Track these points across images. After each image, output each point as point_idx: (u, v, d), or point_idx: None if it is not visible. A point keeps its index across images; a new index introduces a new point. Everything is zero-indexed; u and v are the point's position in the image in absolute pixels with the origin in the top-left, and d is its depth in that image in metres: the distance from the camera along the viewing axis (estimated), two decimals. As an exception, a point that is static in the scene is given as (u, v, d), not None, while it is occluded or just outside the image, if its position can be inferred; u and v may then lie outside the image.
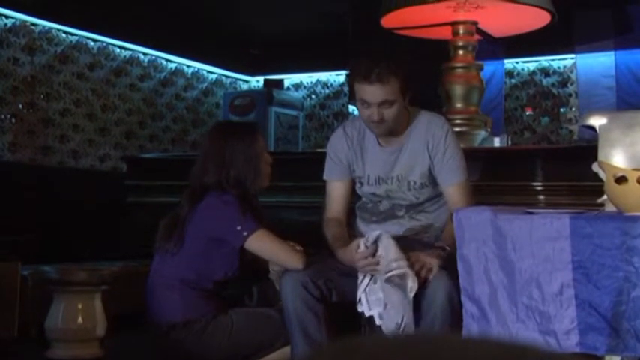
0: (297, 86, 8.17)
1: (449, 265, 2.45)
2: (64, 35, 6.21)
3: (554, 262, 2.08)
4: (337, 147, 2.90)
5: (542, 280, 2.10)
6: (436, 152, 2.77)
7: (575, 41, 6.65)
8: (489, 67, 6.22)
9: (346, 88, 7.65)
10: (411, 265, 2.51)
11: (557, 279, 2.08)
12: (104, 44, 6.56)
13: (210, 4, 6.81)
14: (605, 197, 2.36)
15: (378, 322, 2.55)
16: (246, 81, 8.34)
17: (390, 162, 2.81)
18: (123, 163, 5.62)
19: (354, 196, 2.96)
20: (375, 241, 2.55)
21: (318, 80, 8.11)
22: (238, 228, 2.76)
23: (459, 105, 4.80)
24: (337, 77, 7.98)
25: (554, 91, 7.03)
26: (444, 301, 2.46)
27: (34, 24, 5.98)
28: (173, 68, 7.31)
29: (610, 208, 2.34)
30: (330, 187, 2.93)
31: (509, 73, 7.16)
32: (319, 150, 4.56)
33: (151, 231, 2.96)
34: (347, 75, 2.83)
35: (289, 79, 8.13)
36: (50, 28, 6.11)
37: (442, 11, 4.69)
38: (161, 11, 6.71)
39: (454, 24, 4.81)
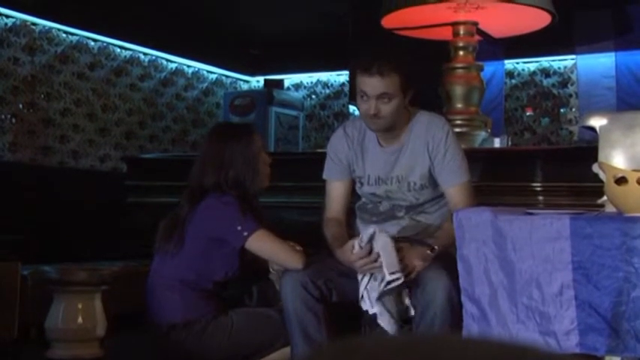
0: (298, 86, 8.18)
1: (448, 265, 2.45)
2: (64, 35, 6.21)
3: (554, 263, 2.08)
4: (337, 147, 2.90)
5: (543, 280, 2.10)
6: (436, 153, 2.76)
7: (575, 42, 6.65)
8: (490, 68, 6.22)
9: (346, 89, 7.66)
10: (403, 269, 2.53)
11: (557, 280, 2.08)
12: (104, 44, 6.56)
13: (211, 4, 6.81)
14: (605, 198, 2.36)
15: (379, 319, 2.56)
16: (247, 81, 8.34)
17: (390, 162, 2.81)
18: (123, 163, 5.62)
19: (353, 197, 2.96)
20: (370, 240, 2.55)
21: (318, 80, 8.11)
22: (239, 228, 2.77)
23: (459, 105, 4.80)
24: (337, 77, 7.98)
25: (555, 91, 7.03)
26: (443, 302, 2.46)
27: (34, 24, 5.98)
28: (173, 68, 7.31)
29: (610, 208, 2.34)
30: (330, 187, 2.93)
31: (510, 74, 7.16)
32: (319, 150, 4.56)
33: (151, 231, 2.96)
34: (350, 70, 2.85)
35: (289, 79, 8.13)
36: (50, 28, 6.11)
37: (442, 12, 4.69)
38: (161, 11, 6.71)
39: (454, 24, 4.81)
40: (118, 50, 6.70)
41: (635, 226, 2.01)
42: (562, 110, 7.01)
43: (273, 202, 3.89)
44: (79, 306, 3.38)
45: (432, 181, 2.80)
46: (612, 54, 6.52)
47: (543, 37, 5.02)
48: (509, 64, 7.11)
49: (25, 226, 5.14)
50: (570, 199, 3.51)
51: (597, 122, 2.63)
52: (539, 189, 3.77)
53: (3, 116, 5.73)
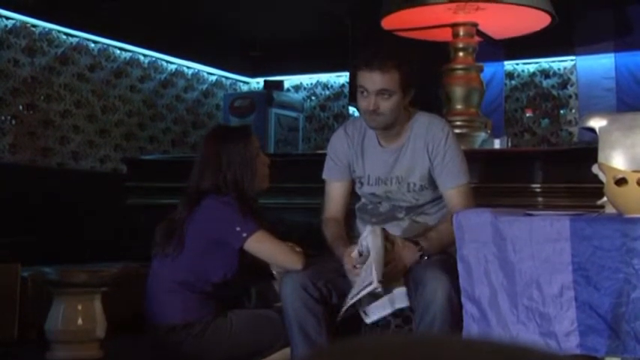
0: (298, 88, 8.18)
1: (448, 266, 2.45)
2: (64, 37, 6.21)
3: (555, 264, 2.08)
4: (337, 146, 2.90)
5: (543, 281, 2.10)
6: (436, 154, 2.76)
7: (575, 43, 6.65)
8: (489, 69, 6.22)
9: (346, 90, 7.66)
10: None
11: (558, 281, 2.08)
12: (104, 46, 6.57)
13: (211, 5, 6.81)
14: (605, 199, 2.35)
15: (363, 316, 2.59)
16: (247, 82, 8.34)
17: (389, 162, 2.81)
18: (123, 164, 5.62)
19: (352, 197, 2.96)
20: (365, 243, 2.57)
21: (318, 82, 8.11)
22: (238, 229, 2.77)
23: (459, 107, 4.80)
24: (337, 79, 7.98)
25: (555, 92, 7.04)
26: (443, 302, 2.46)
27: (34, 25, 5.99)
28: (173, 70, 7.31)
29: (610, 209, 2.34)
30: (330, 187, 2.92)
31: (510, 75, 7.16)
32: (319, 151, 4.56)
33: (151, 232, 2.96)
34: (350, 71, 2.86)
35: (289, 80, 8.14)
36: (50, 30, 6.11)
37: (442, 13, 4.69)
38: (161, 13, 6.71)
39: (454, 26, 4.81)
40: (118, 52, 6.71)
41: (635, 227, 2.00)
42: (562, 111, 7.02)
43: (274, 203, 3.89)
44: (79, 307, 3.38)
45: (432, 183, 2.79)
46: (612, 55, 6.52)
47: (543, 38, 5.03)
48: (509, 65, 7.11)
49: (25, 227, 5.15)
50: (570, 200, 3.51)
51: (597, 123, 2.63)
52: (539, 190, 3.77)
53: (3, 118, 5.73)
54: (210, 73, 7.78)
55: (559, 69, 7.03)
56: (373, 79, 2.65)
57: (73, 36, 6.28)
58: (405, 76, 2.67)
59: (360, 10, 6.58)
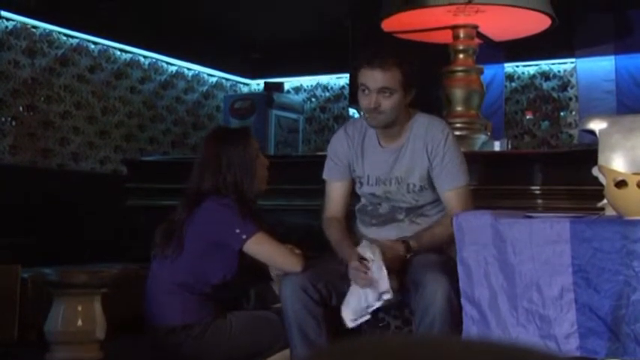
0: (298, 89, 8.18)
1: (448, 268, 2.45)
2: (64, 38, 6.22)
3: (555, 266, 2.08)
4: (338, 147, 2.90)
5: (543, 283, 2.10)
6: (435, 156, 2.76)
7: (575, 45, 6.65)
8: (490, 71, 6.22)
9: (346, 92, 7.66)
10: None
11: (558, 283, 2.08)
12: (105, 47, 6.57)
13: (211, 7, 6.81)
14: (605, 201, 2.36)
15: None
16: (247, 84, 8.34)
17: (389, 162, 2.81)
18: (123, 165, 5.62)
19: (352, 198, 2.96)
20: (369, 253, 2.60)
21: (318, 83, 8.11)
22: (237, 231, 2.77)
23: (459, 109, 4.80)
24: (337, 80, 7.99)
25: (555, 95, 7.04)
26: (443, 304, 2.46)
27: (34, 27, 5.99)
28: (173, 71, 7.32)
29: (610, 212, 2.34)
30: (330, 187, 2.93)
31: (510, 77, 7.16)
32: (320, 153, 4.56)
33: (151, 234, 2.96)
34: (350, 72, 2.87)
35: (289, 82, 8.14)
36: (51, 31, 6.11)
37: (442, 15, 4.69)
38: (161, 14, 6.72)
39: (454, 28, 4.82)
40: (118, 53, 6.71)
41: (635, 230, 2.01)
42: (562, 113, 7.02)
43: (274, 205, 3.89)
44: (79, 309, 3.37)
45: (431, 184, 2.79)
46: (612, 57, 6.52)
47: (543, 40, 5.03)
48: (509, 67, 7.11)
49: (25, 228, 5.15)
50: (570, 202, 3.51)
51: (597, 125, 2.63)
52: (539, 192, 3.77)
53: (3, 119, 5.73)
54: (211, 74, 7.78)
55: (559, 71, 7.03)
56: (374, 77, 2.65)
57: (73, 37, 6.28)
58: (406, 75, 2.67)
59: (360, 12, 6.59)
